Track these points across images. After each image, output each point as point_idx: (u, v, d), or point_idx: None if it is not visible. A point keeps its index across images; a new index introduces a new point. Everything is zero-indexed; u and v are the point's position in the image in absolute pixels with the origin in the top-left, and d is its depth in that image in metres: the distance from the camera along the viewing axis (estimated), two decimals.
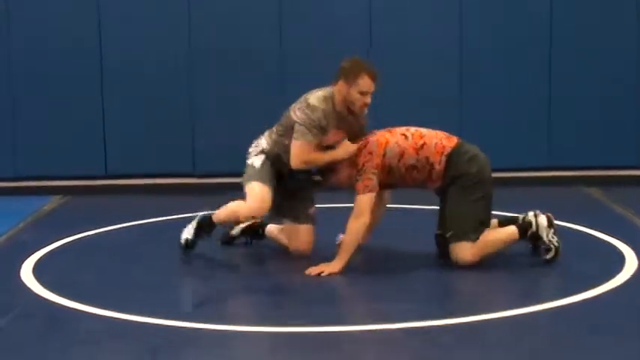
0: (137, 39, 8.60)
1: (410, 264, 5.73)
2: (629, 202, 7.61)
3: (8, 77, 8.58)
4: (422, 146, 5.59)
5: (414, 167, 5.60)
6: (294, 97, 8.53)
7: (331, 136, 5.62)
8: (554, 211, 6.90)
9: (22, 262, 5.80)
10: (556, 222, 6.21)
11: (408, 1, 8.70)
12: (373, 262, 5.85)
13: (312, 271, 5.48)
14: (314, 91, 5.68)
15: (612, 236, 6.25)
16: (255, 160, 5.83)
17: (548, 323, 4.55)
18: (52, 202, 8.17)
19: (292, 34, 8.63)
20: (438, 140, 5.63)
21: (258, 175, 5.74)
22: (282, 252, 6.06)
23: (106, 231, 6.79)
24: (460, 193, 5.54)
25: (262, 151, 5.85)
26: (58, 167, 8.68)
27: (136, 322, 4.60)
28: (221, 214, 5.83)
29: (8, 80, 8.58)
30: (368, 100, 5.55)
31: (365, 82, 5.48)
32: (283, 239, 6.08)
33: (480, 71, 8.68)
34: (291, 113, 5.66)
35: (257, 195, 5.68)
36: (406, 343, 4.30)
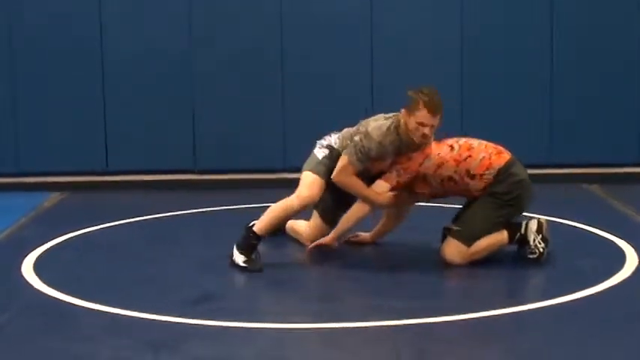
0: (138, 35, 8.61)
1: (411, 261, 5.74)
2: (629, 199, 7.62)
3: (10, 73, 8.59)
4: (466, 159, 5.55)
5: (450, 179, 5.57)
6: (295, 94, 8.62)
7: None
8: (554, 208, 6.94)
9: (23, 258, 5.80)
10: (557, 219, 6.24)
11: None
12: (373, 259, 5.85)
13: (310, 246, 5.75)
14: (381, 116, 5.67)
15: (612, 233, 6.25)
16: (319, 152, 5.81)
17: (548, 321, 4.55)
18: (53, 198, 8.17)
19: (293, 31, 8.62)
20: (486, 154, 5.59)
21: (315, 167, 5.73)
22: (281, 248, 6.07)
23: (107, 227, 6.79)
24: (490, 205, 5.53)
25: (328, 147, 5.81)
26: (59, 163, 8.68)
27: (137, 318, 4.60)
28: (266, 221, 5.62)
29: (10, 76, 8.59)
30: (427, 131, 5.49)
31: (423, 114, 5.44)
32: (299, 230, 6.08)
33: (481, 68, 8.68)
34: (357, 127, 5.68)
35: (308, 184, 5.67)
36: (406, 340, 4.31)
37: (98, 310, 4.73)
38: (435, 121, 5.49)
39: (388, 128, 5.53)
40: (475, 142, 5.68)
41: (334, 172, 5.63)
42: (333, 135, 5.86)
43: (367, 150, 5.52)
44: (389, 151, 5.55)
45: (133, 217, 7.06)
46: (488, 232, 5.52)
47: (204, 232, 6.16)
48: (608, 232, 6.30)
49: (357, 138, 5.56)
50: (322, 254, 5.76)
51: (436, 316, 4.55)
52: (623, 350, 4.15)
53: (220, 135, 8.69)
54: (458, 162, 5.54)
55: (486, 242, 5.54)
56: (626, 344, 4.22)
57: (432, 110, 5.44)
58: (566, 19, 8.62)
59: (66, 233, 6.52)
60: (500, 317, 4.57)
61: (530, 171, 8.64)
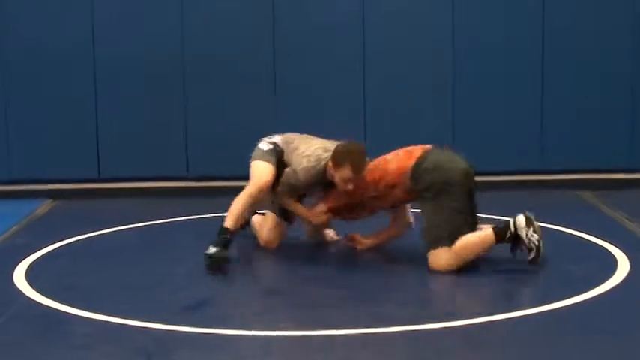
0: (130, 42, 8.60)
1: (402, 267, 5.74)
2: (621, 205, 7.63)
3: (1, 80, 8.57)
4: (380, 178, 5.76)
5: (374, 198, 5.83)
6: (288, 100, 8.63)
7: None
8: (546, 214, 6.94)
9: (15, 266, 5.79)
10: (548, 225, 6.24)
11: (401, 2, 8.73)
12: (364, 265, 5.86)
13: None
14: (314, 148, 5.97)
15: (604, 240, 6.27)
16: (264, 145, 6.15)
17: (540, 327, 4.56)
18: (45, 206, 8.16)
19: (285, 37, 8.63)
20: (397, 164, 5.77)
21: (263, 156, 6.07)
22: (273, 254, 6.07)
23: (99, 234, 6.79)
24: (430, 203, 5.61)
25: (273, 144, 6.14)
26: (51, 171, 8.67)
27: (129, 325, 4.60)
28: (232, 214, 5.87)
29: (1, 83, 8.57)
30: (349, 187, 5.76)
31: (347, 173, 5.70)
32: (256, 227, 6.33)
33: (472, 74, 8.69)
34: (295, 155, 5.99)
35: (260, 170, 6.01)
36: (400, 346, 4.31)
37: (90, 318, 4.73)
38: (359, 178, 5.73)
39: (317, 171, 5.88)
40: (389, 157, 5.88)
41: (278, 187, 6.03)
42: (277, 136, 6.20)
43: (295, 185, 5.94)
44: (316, 185, 6.01)
45: (125, 225, 7.06)
46: (449, 221, 5.53)
47: (197, 240, 6.16)
48: (599, 239, 6.31)
49: (288, 170, 5.97)
50: (312, 261, 5.77)
51: (427, 323, 4.55)
52: (617, 354, 4.15)
53: (213, 142, 8.68)
54: (375, 182, 5.76)
55: (468, 240, 5.54)
56: (619, 351, 4.23)
57: (357, 172, 5.70)
58: (558, 26, 8.63)
59: (58, 241, 6.51)
60: (492, 324, 4.58)
61: (522, 177, 8.77)
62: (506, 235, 5.56)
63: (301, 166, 5.90)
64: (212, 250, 5.70)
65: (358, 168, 5.69)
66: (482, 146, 8.66)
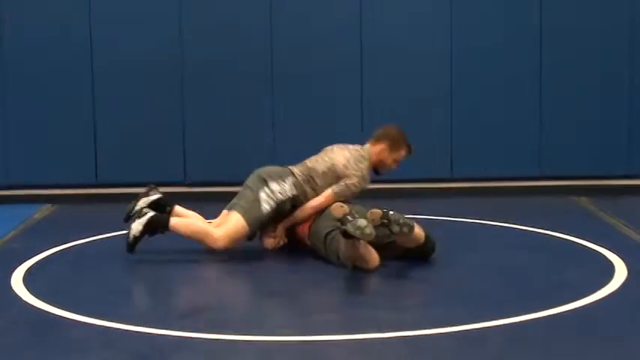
0: (128, 48, 8.61)
1: (396, 271, 5.74)
2: (618, 211, 7.64)
3: None
4: None
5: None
6: (286, 107, 8.62)
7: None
8: (544, 220, 6.96)
9: (13, 271, 5.79)
10: (546, 231, 6.25)
11: (399, 5, 8.73)
12: (358, 270, 5.85)
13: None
14: (353, 150, 6.17)
15: (602, 246, 6.27)
16: (264, 202, 5.96)
17: (537, 333, 4.55)
18: (42, 211, 8.16)
19: (283, 42, 8.64)
20: None
21: (252, 217, 5.91)
22: (269, 260, 6.07)
23: (96, 239, 6.78)
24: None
25: (277, 201, 5.99)
26: (49, 176, 8.68)
27: (125, 330, 4.59)
28: (186, 229, 5.94)
29: None
30: (396, 168, 6.30)
31: (402, 155, 6.22)
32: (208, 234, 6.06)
33: (470, 80, 8.71)
34: (338, 166, 6.07)
35: (237, 232, 5.91)
36: (392, 353, 4.31)
37: (87, 323, 4.72)
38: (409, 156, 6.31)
39: (364, 158, 6.15)
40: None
41: (319, 202, 6.02)
42: (288, 181, 6.02)
43: (355, 192, 6.09)
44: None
45: (122, 230, 7.04)
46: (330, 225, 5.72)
47: (194, 245, 6.15)
48: (597, 244, 6.31)
49: (352, 181, 6.03)
50: (308, 266, 5.77)
51: (424, 329, 4.55)
52: None
53: (211, 147, 8.69)
54: None
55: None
56: (616, 357, 4.23)
57: (411, 152, 6.27)
58: (557, 32, 8.66)
59: (56, 246, 6.51)
60: (488, 330, 4.57)
61: (520, 183, 8.77)
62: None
63: (360, 173, 6.06)
64: (137, 229, 5.90)
65: (412, 150, 6.25)
66: (481, 152, 8.68)
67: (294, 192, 6.02)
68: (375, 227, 5.38)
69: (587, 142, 8.76)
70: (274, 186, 5.99)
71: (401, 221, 5.46)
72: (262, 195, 5.95)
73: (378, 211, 5.45)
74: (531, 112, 8.74)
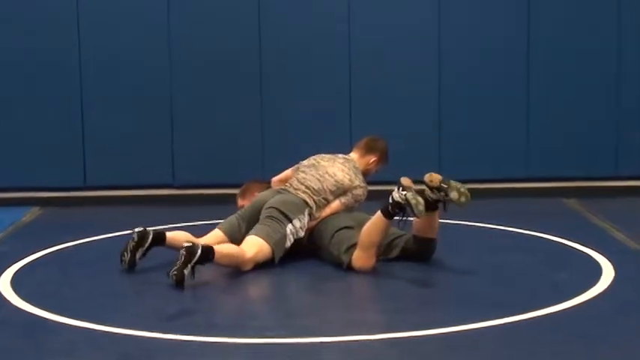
0: (116, 50, 8.60)
1: (392, 273, 5.74)
2: (606, 213, 7.66)
3: None
4: None
5: None
6: (274, 108, 8.63)
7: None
8: (532, 221, 6.97)
9: (1, 274, 5.78)
10: (534, 233, 6.26)
11: (387, 11, 8.73)
12: (352, 273, 5.86)
13: None
14: (346, 162, 6.33)
15: (589, 247, 6.29)
16: (288, 241, 5.97)
17: (524, 333, 4.56)
18: (30, 214, 8.14)
19: (272, 42, 8.64)
20: None
21: (277, 244, 5.90)
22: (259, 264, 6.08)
23: (85, 242, 6.77)
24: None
25: (300, 236, 6.05)
26: (36, 178, 8.65)
27: (113, 333, 4.59)
28: (225, 258, 5.68)
29: None
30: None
31: (384, 165, 6.51)
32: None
33: (458, 83, 8.72)
34: (344, 182, 6.22)
35: (261, 260, 5.83)
36: (386, 354, 4.31)
37: (75, 325, 4.71)
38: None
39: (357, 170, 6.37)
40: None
41: (335, 209, 6.20)
42: (305, 213, 6.07)
43: (362, 197, 6.32)
44: None
45: (111, 233, 7.05)
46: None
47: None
48: (585, 246, 6.33)
49: (357, 192, 6.25)
50: (296, 269, 5.77)
51: (412, 331, 4.56)
52: None
53: (199, 150, 8.68)
54: None
55: (364, 230, 5.70)
56: (602, 357, 4.24)
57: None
58: (544, 33, 8.68)
59: (44, 249, 6.50)
60: (476, 331, 4.58)
61: (508, 185, 8.78)
62: (388, 207, 5.53)
63: (363, 184, 6.30)
64: (188, 269, 5.42)
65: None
66: (469, 154, 8.70)
67: (308, 220, 6.13)
68: (432, 189, 5.53)
69: (575, 143, 8.77)
70: (297, 223, 6.04)
71: (462, 190, 5.53)
72: (287, 231, 5.99)
73: (437, 175, 5.59)
74: (519, 113, 8.75)
